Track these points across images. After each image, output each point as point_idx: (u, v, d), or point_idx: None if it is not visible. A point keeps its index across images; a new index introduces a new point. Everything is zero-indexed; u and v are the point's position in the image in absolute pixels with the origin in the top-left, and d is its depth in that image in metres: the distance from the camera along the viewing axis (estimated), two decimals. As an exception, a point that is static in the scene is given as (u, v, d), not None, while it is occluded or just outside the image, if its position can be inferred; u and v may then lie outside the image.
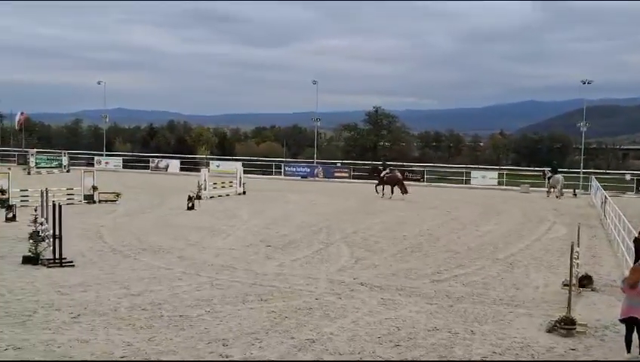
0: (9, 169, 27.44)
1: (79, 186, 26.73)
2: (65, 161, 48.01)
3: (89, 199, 26.46)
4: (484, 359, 8.81)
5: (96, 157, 53.33)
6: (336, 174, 46.17)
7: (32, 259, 14.06)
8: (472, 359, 8.78)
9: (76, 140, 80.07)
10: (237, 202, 28.41)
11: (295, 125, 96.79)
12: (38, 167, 45.51)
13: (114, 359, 8.37)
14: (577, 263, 11.74)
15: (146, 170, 50.38)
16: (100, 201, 26.52)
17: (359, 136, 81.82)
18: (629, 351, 9.07)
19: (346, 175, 45.67)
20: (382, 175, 32.63)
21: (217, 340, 9.18)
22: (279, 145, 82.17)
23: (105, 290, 11.88)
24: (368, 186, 34.41)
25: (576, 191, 37.01)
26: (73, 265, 13.96)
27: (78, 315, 10.19)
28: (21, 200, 23.84)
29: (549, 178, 36.02)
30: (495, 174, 44.68)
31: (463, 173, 46.12)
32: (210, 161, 51.05)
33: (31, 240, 14.39)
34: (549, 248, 18.01)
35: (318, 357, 8.65)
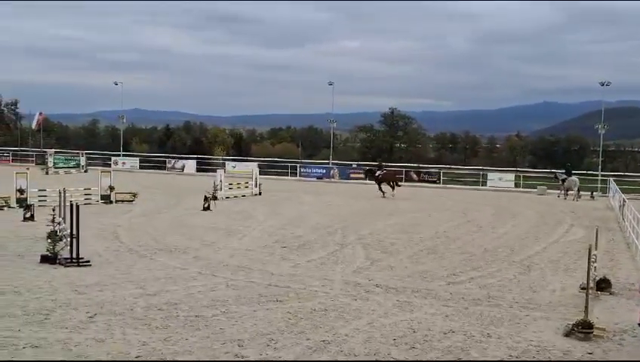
0: (27, 169, 27.69)
1: (96, 186, 26.93)
2: (82, 161, 48.40)
3: (106, 199, 26.64)
4: (501, 359, 8.75)
5: (112, 158, 53.72)
6: (352, 175, 46.14)
7: (49, 259, 14.18)
8: (487, 359, 8.73)
9: (94, 141, 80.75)
10: (252, 203, 28.48)
11: (311, 126, 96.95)
12: (56, 167, 45.89)
13: (130, 358, 8.41)
14: (595, 266, 11.63)
15: (163, 171, 50.70)
16: (116, 201, 26.69)
17: (375, 137, 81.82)
18: (647, 355, 8.98)
19: (362, 176, 45.65)
20: (377, 174, 33.84)
21: (233, 340, 9.19)
22: (295, 146, 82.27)
23: (121, 290, 11.95)
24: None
25: (594, 193, 36.69)
26: (90, 265, 14.06)
27: (95, 314, 10.25)
28: (39, 200, 24.03)
29: (562, 180, 35.74)
30: (512, 176, 44.48)
31: (479, 174, 45.96)
32: (226, 162, 51.25)
33: (49, 240, 14.50)
34: (567, 251, 17.86)
35: (333, 358, 8.63)
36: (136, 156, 56.77)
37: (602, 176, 42.33)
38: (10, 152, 56.20)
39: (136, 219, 22.20)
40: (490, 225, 22.91)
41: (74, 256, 14.05)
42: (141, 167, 52.00)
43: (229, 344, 9.05)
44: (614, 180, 35.34)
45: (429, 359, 8.77)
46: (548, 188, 38.92)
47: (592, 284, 11.23)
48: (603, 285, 12.77)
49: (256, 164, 39.69)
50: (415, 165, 53.36)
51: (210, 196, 26.29)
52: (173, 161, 52.82)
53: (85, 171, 46.25)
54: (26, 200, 23.56)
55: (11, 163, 51.94)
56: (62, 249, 14.37)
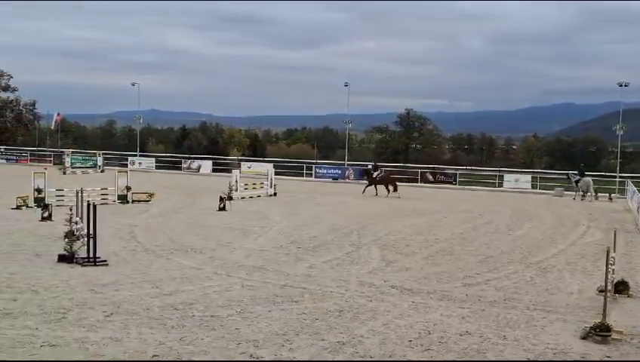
0: (45, 169, 27.93)
1: (113, 186, 27.10)
2: (99, 161, 48.75)
3: (123, 199, 26.80)
4: (519, 360, 8.69)
5: (129, 158, 54.07)
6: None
7: (67, 258, 14.29)
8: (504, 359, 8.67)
9: (111, 141, 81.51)
10: (268, 203, 28.53)
11: (326, 127, 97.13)
12: (73, 167, 46.25)
13: (146, 358, 8.45)
14: (613, 269, 11.51)
15: (179, 171, 50.94)
16: (133, 201, 26.85)
17: (390, 138, 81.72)
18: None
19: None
20: (374, 175, 34.38)
21: (248, 341, 9.21)
22: (310, 147, 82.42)
23: (137, 289, 12.02)
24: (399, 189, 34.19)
25: (612, 195, 36.35)
26: (107, 264, 14.15)
27: (112, 314, 10.31)
28: (57, 200, 24.22)
29: (576, 181, 35.44)
30: (528, 177, 44.17)
31: (495, 176, 45.69)
32: (242, 163, 51.40)
33: (66, 239, 14.62)
34: (584, 253, 17.71)
35: (348, 359, 8.62)
36: (152, 156, 57.10)
37: (620, 177, 41.95)
38: (29, 152, 56.77)
39: (153, 219, 22.31)
40: (507, 227, 22.77)
41: (91, 255, 14.14)
42: (157, 168, 52.27)
43: (244, 344, 9.07)
44: (632, 182, 34.97)
45: (445, 361, 8.74)
46: (565, 190, 38.62)
47: (609, 287, 11.13)
48: (621, 287, 12.65)
49: (271, 164, 39.67)
50: (431, 166, 53.22)
51: (226, 196, 26.37)
52: (189, 161, 53.05)
53: (102, 171, 46.58)
54: (44, 199, 23.73)
55: (29, 163, 52.47)
56: (79, 248, 14.48)
